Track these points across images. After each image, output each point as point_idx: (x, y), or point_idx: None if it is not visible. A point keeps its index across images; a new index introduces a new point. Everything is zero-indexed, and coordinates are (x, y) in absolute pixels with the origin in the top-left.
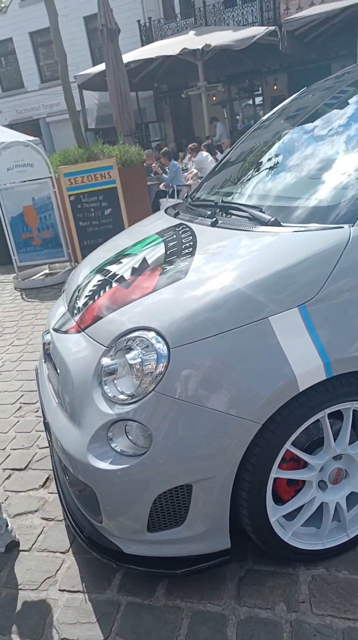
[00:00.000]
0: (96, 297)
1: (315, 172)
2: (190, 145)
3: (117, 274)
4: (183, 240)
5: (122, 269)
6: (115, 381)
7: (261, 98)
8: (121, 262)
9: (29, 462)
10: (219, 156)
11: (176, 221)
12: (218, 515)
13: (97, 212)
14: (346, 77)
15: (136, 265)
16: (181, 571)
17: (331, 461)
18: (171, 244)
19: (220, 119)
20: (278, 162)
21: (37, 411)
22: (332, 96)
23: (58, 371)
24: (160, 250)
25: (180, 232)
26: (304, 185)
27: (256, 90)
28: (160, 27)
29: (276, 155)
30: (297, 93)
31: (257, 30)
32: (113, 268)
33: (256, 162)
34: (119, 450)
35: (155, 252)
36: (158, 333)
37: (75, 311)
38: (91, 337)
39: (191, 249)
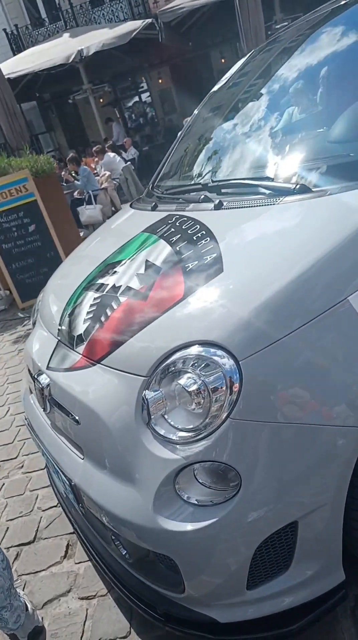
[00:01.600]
0: (102, 319)
1: (321, 126)
2: (94, 149)
3: (120, 286)
4: (189, 232)
5: (123, 279)
6: (166, 417)
7: (148, 93)
8: (115, 272)
9: (37, 530)
10: (125, 155)
11: (161, 214)
12: (330, 547)
13: (21, 231)
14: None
15: (141, 271)
16: (297, 625)
17: None
18: (174, 238)
19: (114, 119)
20: (267, 126)
21: (22, 466)
22: (288, 48)
23: (76, 418)
24: (163, 248)
25: (177, 224)
26: (314, 143)
27: (142, 87)
28: (29, 34)
29: (262, 120)
30: (246, 57)
31: (134, 25)
32: (109, 280)
33: (234, 134)
34: (195, 501)
35: (158, 252)
36: (219, 346)
37: (75, 341)
38: (115, 369)
39: (207, 238)
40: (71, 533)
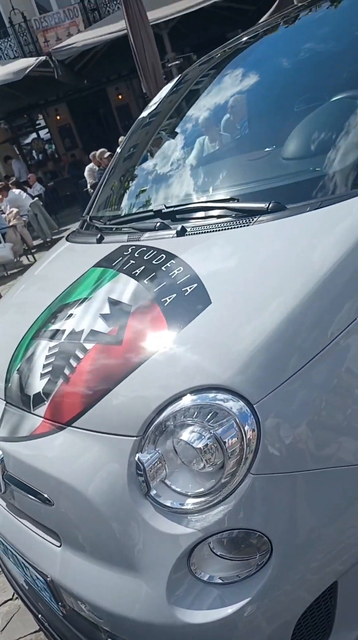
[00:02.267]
0: (66, 372)
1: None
2: None
3: (81, 331)
4: (155, 262)
5: (83, 322)
6: (168, 482)
7: (46, 130)
8: (70, 316)
9: None
10: (30, 191)
11: (111, 246)
12: None
13: None
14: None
15: (106, 311)
16: None
17: None
18: (137, 271)
19: (13, 157)
20: (215, 148)
21: None
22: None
23: (47, 498)
24: (127, 282)
25: (136, 255)
26: (269, 161)
27: (38, 124)
28: None
29: (207, 142)
30: (175, 80)
31: (28, 62)
32: (65, 326)
33: (179, 158)
34: (219, 580)
35: (121, 287)
36: (227, 390)
37: (32, 402)
38: (94, 431)
39: (179, 267)
40: (36, 631)
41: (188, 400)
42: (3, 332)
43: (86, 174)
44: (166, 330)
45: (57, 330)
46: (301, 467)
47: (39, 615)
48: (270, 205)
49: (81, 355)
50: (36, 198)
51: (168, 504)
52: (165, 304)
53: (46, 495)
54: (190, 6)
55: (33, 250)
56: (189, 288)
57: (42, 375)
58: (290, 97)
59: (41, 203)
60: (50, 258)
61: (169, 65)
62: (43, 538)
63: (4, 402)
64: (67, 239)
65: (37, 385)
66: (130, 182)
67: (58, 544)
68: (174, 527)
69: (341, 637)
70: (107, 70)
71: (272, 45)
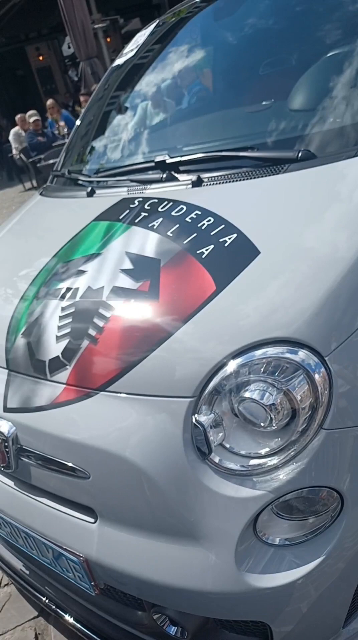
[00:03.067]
0: (90, 332)
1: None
2: None
3: (101, 288)
4: (175, 214)
5: (100, 279)
6: (228, 445)
7: None
8: (81, 272)
9: None
10: None
11: (109, 199)
12: None
13: None
14: None
15: (127, 267)
16: None
17: None
18: (154, 223)
19: None
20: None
21: None
22: None
23: (83, 471)
24: (146, 236)
25: (147, 207)
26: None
27: None
28: None
29: (214, 85)
30: (149, 27)
31: None
32: (76, 283)
33: (177, 104)
34: (286, 542)
35: (140, 241)
36: (296, 343)
37: (48, 367)
38: (136, 395)
39: (209, 218)
40: (34, 618)
41: (251, 356)
42: None
43: (10, 138)
44: (212, 283)
45: (68, 289)
46: None
47: (45, 600)
48: (300, 154)
49: (107, 314)
50: None
51: (231, 466)
52: (203, 256)
53: (80, 468)
54: None
55: None
56: (229, 239)
57: (59, 338)
58: (292, 45)
59: None
60: (26, 214)
61: (95, 27)
62: (72, 516)
63: (6, 371)
64: (42, 194)
65: (54, 349)
66: (115, 133)
67: (93, 521)
68: (240, 491)
69: None
70: (25, 27)
71: None
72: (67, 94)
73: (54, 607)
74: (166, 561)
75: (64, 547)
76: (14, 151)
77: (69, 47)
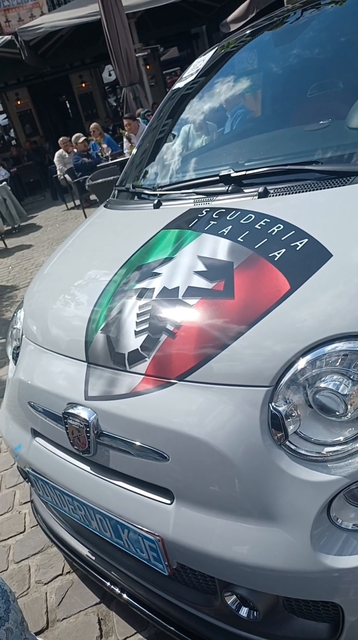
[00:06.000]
0: (169, 327)
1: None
2: None
3: (176, 288)
4: (243, 221)
5: (175, 280)
6: (302, 432)
7: (4, 115)
8: (155, 275)
9: (46, 612)
10: None
11: (176, 210)
12: None
13: None
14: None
15: (201, 269)
16: None
17: None
18: (224, 230)
19: None
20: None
21: None
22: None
23: (162, 453)
24: (217, 242)
25: (215, 216)
26: (342, 129)
27: None
28: None
29: (274, 104)
30: (208, 54)
31: None
32: (151, 284)
33: (239, 123)
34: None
35: (211, 247)
36: None
37: (127, 360)
38: (215, 384)
39: (279, 225)
40: (96, 604)
41: (322, 351)
42: (70, 297)
43: (55, 160)
44: (286, 282)
45: (145, 289)
46: None
47: (109, 584)
48: None
49: (183, 311)
50: (3, 182)
51: (305, 452)
52: (275, 259)
53: (160, 451)
54: None
55: (2, 236)
56: (300, 243)
57: (137, 333)
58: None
59: (9, 188)
60: (94, 224)
61: (137, 55)
62: (148, 497)
63: (86, 364)
64: (106, 207)
65: (133, 343)
66: (177, 151)
67: (169, 502)
68: (315, 475)
69: None
70: (71, 57)
71: (313, 24)
72: (108, 119)
73: (118, 591)
74: (242, 540)
75: (141, 527)
76: (58, 172)
77: (109, 75)
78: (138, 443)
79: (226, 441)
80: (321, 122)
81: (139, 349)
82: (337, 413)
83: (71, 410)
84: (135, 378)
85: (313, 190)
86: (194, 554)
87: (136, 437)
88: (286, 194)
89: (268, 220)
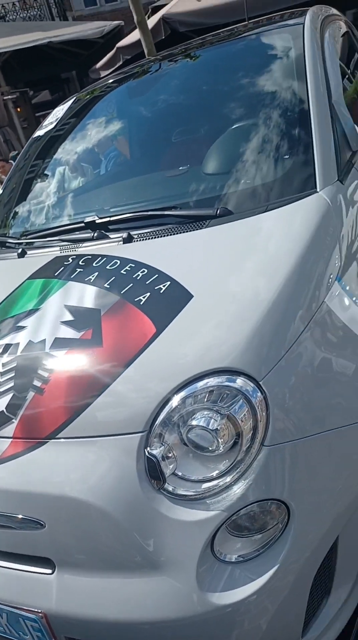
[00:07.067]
0: (35, 384)
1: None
2: None
3: (42, 340)
4: (109, 267)
5: (41, 332)
6: (179, 472)
7: None
8: (20, 328)
9: None
10: None
11: (41, 259)
12: None
13: None
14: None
15: (67, 318)
16: None
17: None
18: (90, 277)
19: None
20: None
21: None
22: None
23: (37, 522)
24: (83, 289)
25: (81, 263)
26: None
27: None
28: None
29: (143, 151)
30: (67, 103)
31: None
32: (16, 339)
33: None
34: (241, 559)
35: (77, 295)
36: (232, 371)
37: None
38: (87, 437)
39: (143, 269)
40: None
41: (194, 388)
42: None
43: None
44: (152, 326)
45: (8, 345)
46: (305, 433)
47: None
48: (218, 211)
49: (49, 365)
50: None
51: (184, 492)
52: (141, 303)
53: (33, 518)
54: (27, 42)
55: None
56: (163, 286)
57: (2, 393)
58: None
59: None
60: None
61: (5, 98)
62: (26, 571)
63: None
64: None
65: None
66: (40, 198)
67: (50, 571)
68: (196, 514)
69: (336, 596)
70: None
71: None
72: None
73: None
74: (133, 597)
75: (20, 606)
76: None
77: None
78: (8, 514)
79: (104, 496)
80: (181, 167)
81: (5, 410)
82: (210, 449)
83: None
84: (3, 443)
85: (174, 234)
86: (83, 623)
87: (6, 507)
88: (149, 238)
89: (133, 265)
